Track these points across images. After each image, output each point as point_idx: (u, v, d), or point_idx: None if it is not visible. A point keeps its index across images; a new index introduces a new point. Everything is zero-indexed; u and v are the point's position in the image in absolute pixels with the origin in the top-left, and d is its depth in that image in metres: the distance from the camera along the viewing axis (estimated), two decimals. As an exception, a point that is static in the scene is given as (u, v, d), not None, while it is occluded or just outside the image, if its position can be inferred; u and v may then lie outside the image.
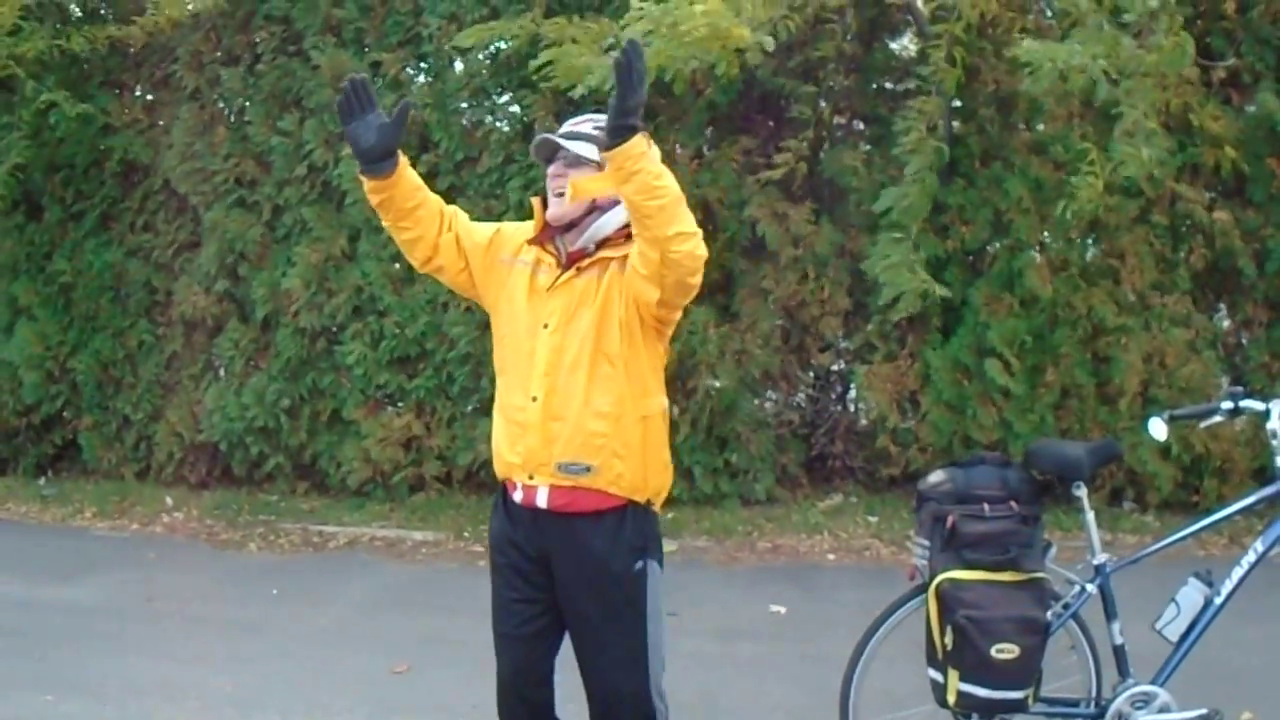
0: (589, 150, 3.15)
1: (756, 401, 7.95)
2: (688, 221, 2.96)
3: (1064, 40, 5.97)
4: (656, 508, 3.28)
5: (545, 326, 3.14)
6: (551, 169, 3.21)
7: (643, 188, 2.90)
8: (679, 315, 3.20)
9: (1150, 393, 7.39)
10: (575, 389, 3.13)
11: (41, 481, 9.01)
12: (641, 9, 5.95)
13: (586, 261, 3.16)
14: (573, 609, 3.27)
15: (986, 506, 3.73)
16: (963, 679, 3.64)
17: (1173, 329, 7.44)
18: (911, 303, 6.88)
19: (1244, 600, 3.92)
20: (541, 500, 3.18)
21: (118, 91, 8.78)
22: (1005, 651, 3.59)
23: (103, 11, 8.33)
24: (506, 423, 3.21)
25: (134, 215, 8.70)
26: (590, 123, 3.22)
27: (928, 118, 6.87)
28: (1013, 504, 3.74)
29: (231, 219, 8.21)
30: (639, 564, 3.19)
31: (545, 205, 3.24)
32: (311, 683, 5.29)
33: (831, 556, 7.20)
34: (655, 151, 2.99)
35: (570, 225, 3.19)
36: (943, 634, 3.67)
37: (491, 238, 3.32)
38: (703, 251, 2.98)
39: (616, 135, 2.86)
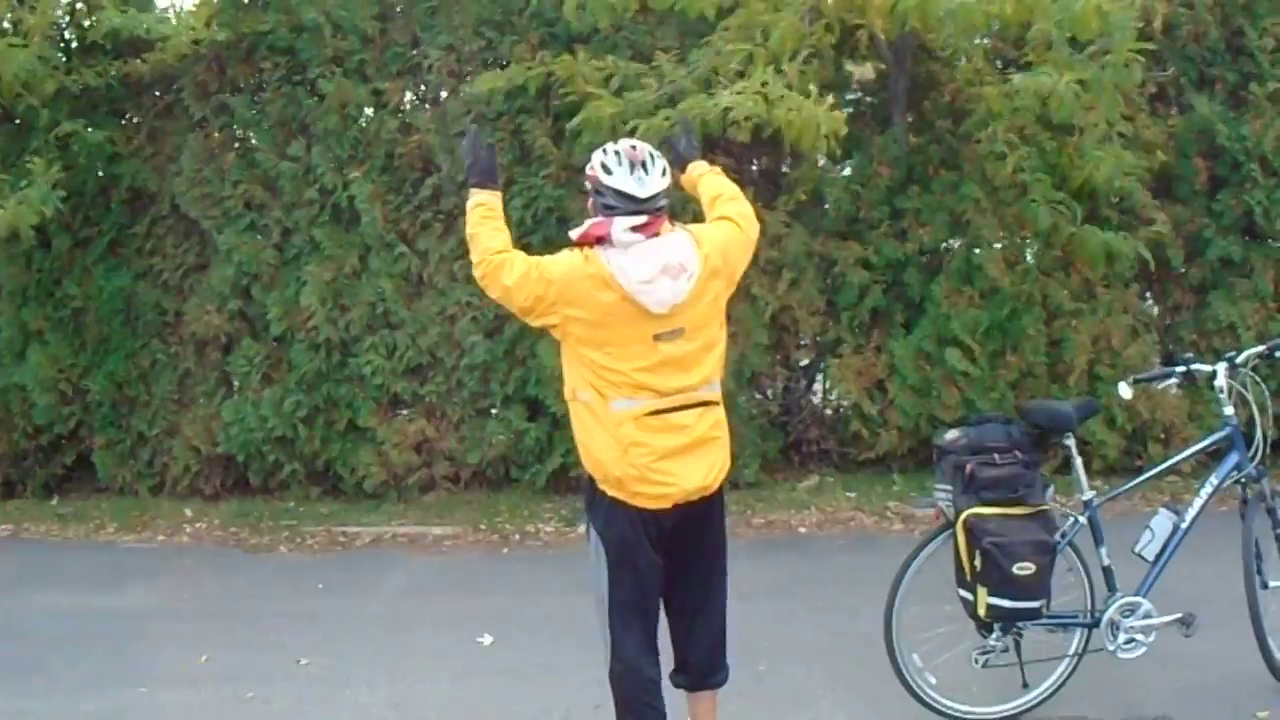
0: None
1: (743, 399, 9.01)
2: (471, 254, 4.23)
3: (1034, 68, 7.20)
4: (602, 487, 4.17)
5: None
6: None
7: None
8: (535, 322, 4.19)
9: (1096, 370, 8.65)
10: None
11: (54, 501, 9.67)
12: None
13: None
14: None
15: (996, 456, 4.85)
16: (991, 594, 4.74)
17: (1118, 315, 8.70)
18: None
19: (1200, 542, 5.09)
20: None
21: (121, 120, 9.49)
22: (1025, 569, 4.69)
23: (102, 43, 8.97)
24: None
25: (142, 240, 9.46)
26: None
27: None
28: (1016, 453, 4.87)
29: (244, 241, 9.07)
30: (584, 520, 4.34)
31: None
32: (386, 659, 6.15)
33: (819, 528, 8.28)
34: (471, 200, 4.30)
35: None
36: (972, 559, 4.77)
37: None
38: (478, 275, 4.20)
39: None
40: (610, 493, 4.16)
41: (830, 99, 7.10)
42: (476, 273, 4.20)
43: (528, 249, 4.35)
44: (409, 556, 8.10)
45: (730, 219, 4.37)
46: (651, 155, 4.16)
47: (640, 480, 4.09)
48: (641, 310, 4.02)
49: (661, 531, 4.21)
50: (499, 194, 4.37)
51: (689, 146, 4.71)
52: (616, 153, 4.13)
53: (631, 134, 6.97)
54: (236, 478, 9.55)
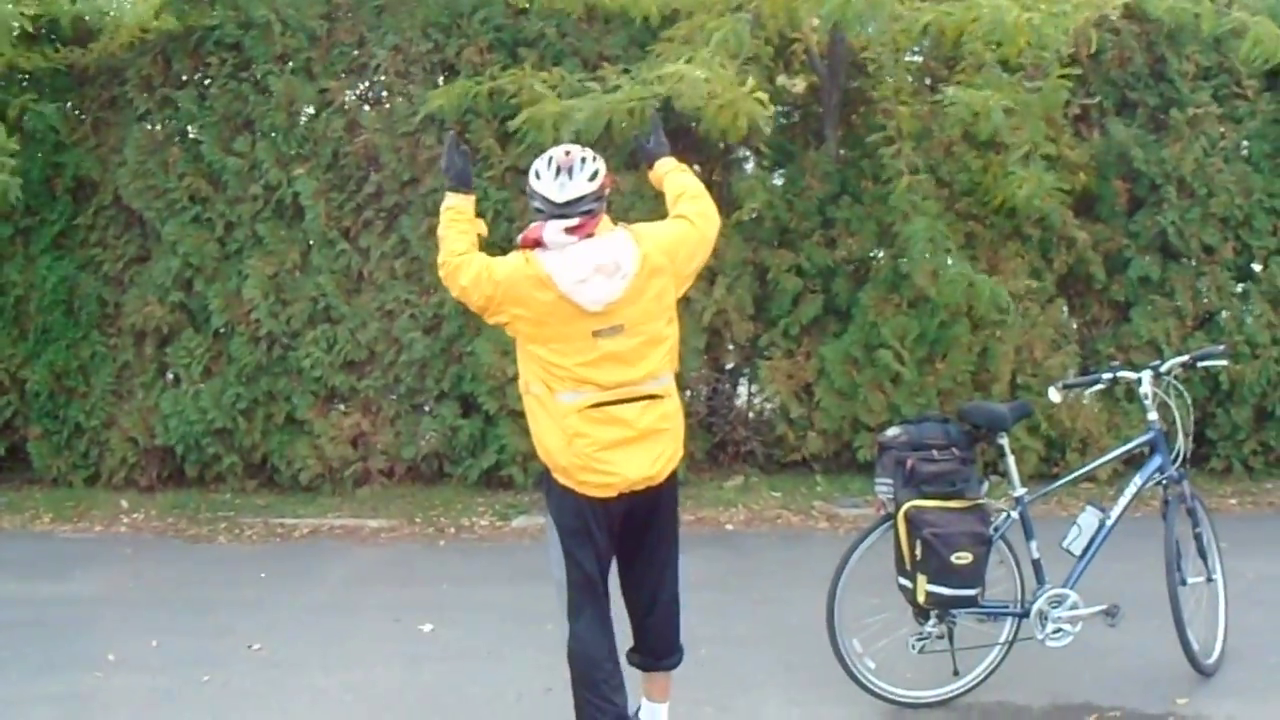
0: None
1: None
2: (440, 254, 4.48)
3: (965, 86, 7.51)
4: (555, 475, 4.38)
5: None
6: None
7: None
8: (490, 320, 4.43)
9: (1019, 380, 8.99)
10: None
11: (-14, 492, 9.64)
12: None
13: None
14: None
15: (935, 452, 5.13)
16: (930, 582, 5.00)
17: (1042, 327, 9.06)
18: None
19: (1120, 544, 5.45)
20: None
21: (63, 110, 9.42)
22: (962, 558, 4.97)
23: (46, 33, 8.99)
24: None
25: (85, 231, 9.48)
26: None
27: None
28: (954, 450, 5.15)
29: (187, 234, 9.14)
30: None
31: None
32: (336, 644, 6.28)
33: (747, 526, 8.53)
34: (445, 203, 4.57)
35: None
36: (912, 548, 5.03)
37: None
38: (441, 276, 4.47)
39: None
40: (561, 481, 4.37)
41: (751, 81, 7.33)
42: (441, 272, 4.48)
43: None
44: (348, 547, 8.22)
45: (685, 217, 4.54)
46: (582, 160, 4.34)
47: (584, 469, 4.29)
48: (578, 308, 4.22)
49: (610, 518, 4.41)
50: (472, 198, 4.61)
51: (658, 144, 4.88)
52: (550, 158, 4.35)
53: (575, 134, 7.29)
54: (172, 469, 9.60)
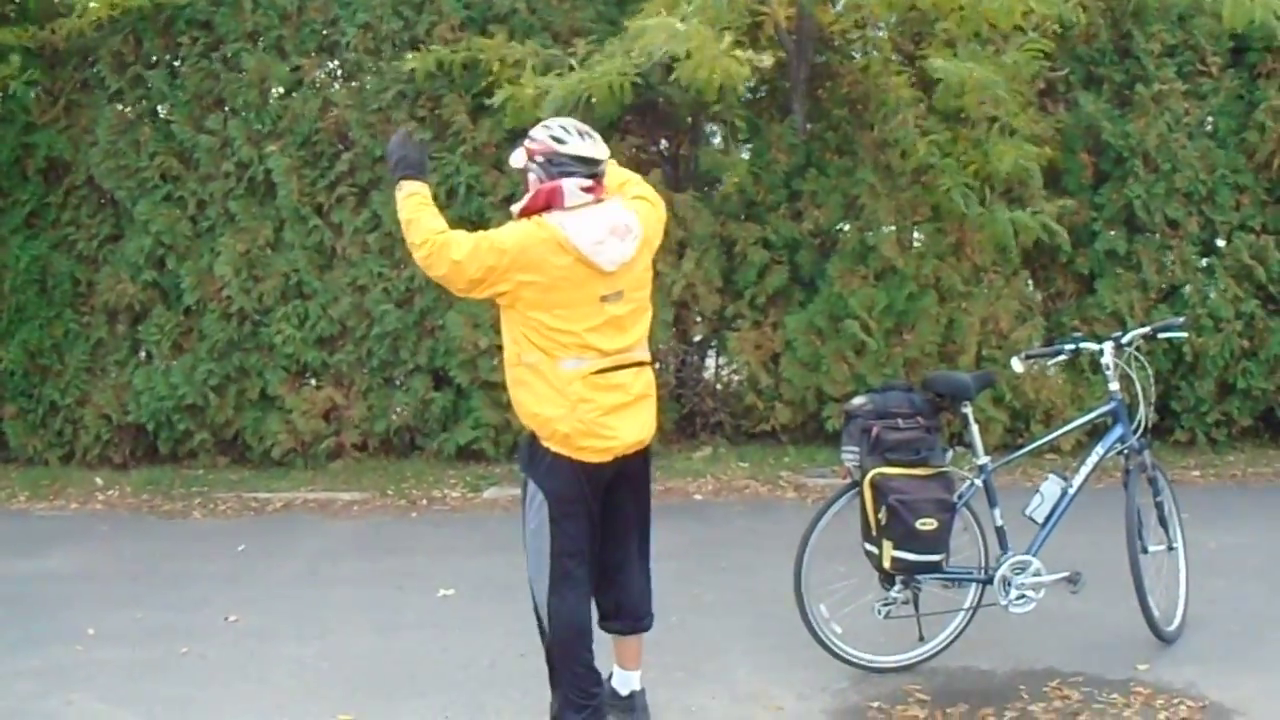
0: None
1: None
2: (411, 237, 4.39)
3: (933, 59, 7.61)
4: (546, 443, 4.38)
5: None
6: None
7: None
8: (482, 293, 4.35)
9: (984, 352, 9.07)
10: None
11: (-41, 472, 9.61)
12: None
13: None
14: None
15: (900, 421, 5.16)
16: (895, 547, 5.04)
17: (1007, 299, 9.14)
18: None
19: (1081, 515, 5.53)
20: None
21: (34, 91, 9.43)
22: (927, 524, 5.01)
23: (15, 13, 9.04)
24: None
25: (57, 210, 9.49)
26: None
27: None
28: (918, 419, 5.19)
29: (159, 213, 9.15)
30: (523, 476, 4.54)
31: None
32: (311, 614, 6.30)
33: (715, 496, 8.59)
34: (403, 190, 4.47)
35: None
36: (878, 514, 5.07)
37: None
38: (421, 255, 4.35)
39: None
40: (554, 448, 4.37)
41: (728, 39, 7.41)
42: (420, 253, 4.36)
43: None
44: (321, 520, 8.25)
45: (644, 198, 4.62)
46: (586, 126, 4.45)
47: (587, 435, 4.32)
48: (591, 272, 4.26)
49: (600, 484, 4.45)
50: (427, 186, 4.59)
51: None
52: (562, 126, 4.39)
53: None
54: (146, 446, 9.63)
